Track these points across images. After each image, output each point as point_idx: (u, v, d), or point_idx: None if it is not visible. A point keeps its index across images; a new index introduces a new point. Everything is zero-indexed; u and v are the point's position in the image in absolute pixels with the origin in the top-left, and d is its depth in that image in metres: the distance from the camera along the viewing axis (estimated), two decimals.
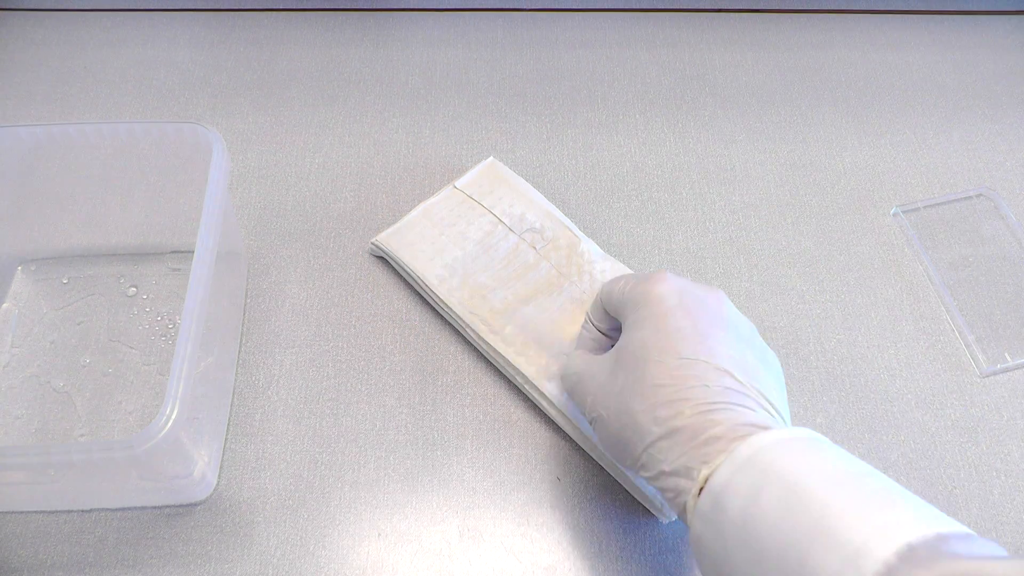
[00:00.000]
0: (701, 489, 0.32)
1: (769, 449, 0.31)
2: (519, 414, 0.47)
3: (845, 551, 0.27)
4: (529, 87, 0.63)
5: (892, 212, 0.57)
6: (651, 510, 0.43)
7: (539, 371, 0.46)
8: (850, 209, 0.57)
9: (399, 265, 0.51)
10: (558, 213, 0.53)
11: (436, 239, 0.52)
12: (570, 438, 0.46)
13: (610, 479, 0.45)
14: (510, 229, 0.52)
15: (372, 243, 0.52)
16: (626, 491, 0.44)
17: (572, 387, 0.41)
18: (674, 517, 0.43)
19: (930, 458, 0.46)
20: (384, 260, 0.53)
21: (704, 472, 0.32)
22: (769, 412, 0.35)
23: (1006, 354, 0.50)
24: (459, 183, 0.55)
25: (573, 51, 0.66)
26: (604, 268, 0.50)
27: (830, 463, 0.30)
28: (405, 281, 0.52)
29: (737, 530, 0.30)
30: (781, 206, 0.57)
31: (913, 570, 0.25)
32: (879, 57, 0.66)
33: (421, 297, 0.51)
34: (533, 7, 0.68)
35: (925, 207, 0.57)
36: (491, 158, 0.56)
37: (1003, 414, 0.48)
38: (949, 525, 0.28)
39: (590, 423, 0.40)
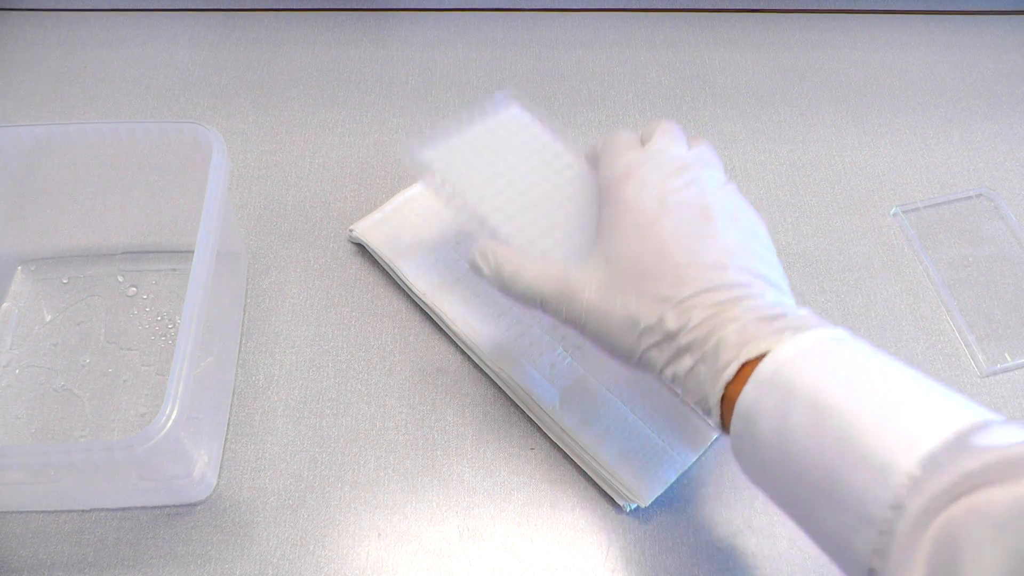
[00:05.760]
0: (722, 397, 0.33)
1: (790, 365, 0.31)
2: (519, 414, 0.47)
3: (872, 468, 0.27)
4: (529, 87, 0.63)
5: (892, 212, 0.57)
6: (614, 498, 0.44)
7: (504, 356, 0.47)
8: (850, 209, 0.57)
9: (379, 258, 0.52)
10: (545, 133, 0.54)
11: (416, 233, 0.52)
12: None
13: None
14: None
15: (350, 230, 0.53)
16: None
17: (556, 296, 0.38)
18: (634, 506, 0.43)
19: None
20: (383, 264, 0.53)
21: (723, 380, 0.32)
22: (774, 288, 0.35)
23: (1006, 354, 0.50)
24: None
25: (573, 51, 0.66)
26: None
27: (852, 370, 0.30)
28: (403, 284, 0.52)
29: (772, 449, 0.30)
30: (781, 206, 0.57)
31: (937, 477, 0.26)
32: (879, 57, 0.66)
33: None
34: (533, 7, 0.68)
35: (925, 207, 0.57)
36: None
37: (1003, 414, 0.48)
38: (969, 417, 0.28)
39: (575, 328, 0.38)
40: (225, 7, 0.67)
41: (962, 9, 0.69)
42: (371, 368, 0.49)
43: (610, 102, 0.62)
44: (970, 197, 0.58)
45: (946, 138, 0.61)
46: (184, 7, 0.67)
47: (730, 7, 0.69)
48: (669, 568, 0.42)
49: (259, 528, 0.43)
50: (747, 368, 0.32)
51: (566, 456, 0.45)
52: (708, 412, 0.34)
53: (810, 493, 0.29)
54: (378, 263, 0.53)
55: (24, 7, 0.66)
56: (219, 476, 0.45)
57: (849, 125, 0.62)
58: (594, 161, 0.42)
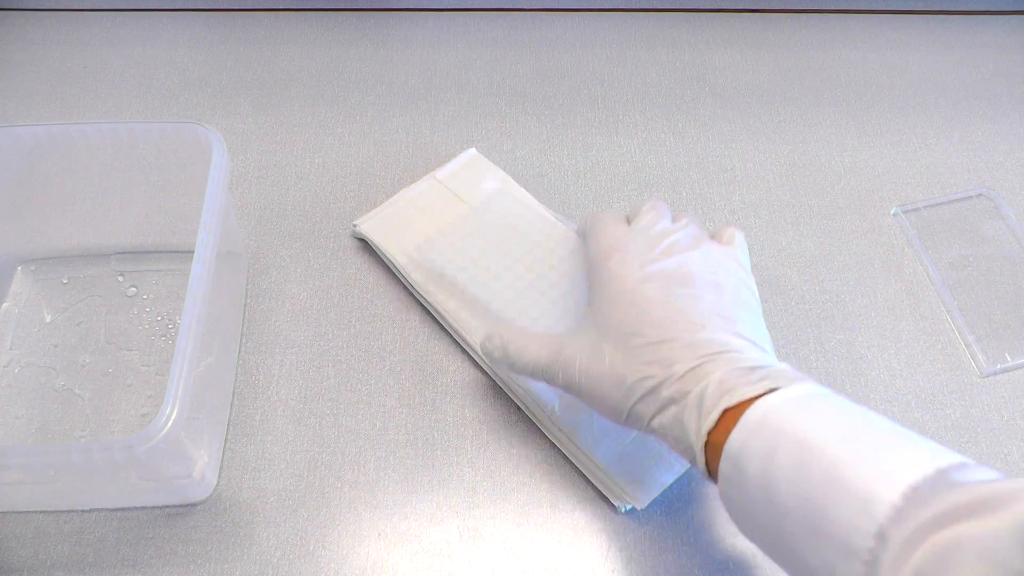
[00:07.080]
0: (706, 444, 0.34)
1: (778, 410, 0.33)
2: (519, 414, 0.47)
3: (856, 500, 0.29)
4: (529, 87, 0.63)
5: (892, 212, 0.57)
6: (610, 499, 0.44)
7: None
8: (850, 209, 0.57)
9: (382, 253, 0.52)
10: (539, 206, 0.54)
11: (418, 231, 0.52)
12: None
13: None
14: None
15: (354, 225, 0.53)
16: None
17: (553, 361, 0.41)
18: (629, 506, 0.43)
19: None
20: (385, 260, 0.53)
21: (705, 426, 0.34)
22: (755, 347, 0.37)
23: (1006, 354, 0.50)
24: (439, 175, 0.55)
25: (573, 51, 0.66)
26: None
27: (835, 416, 0.32)
28: (405, 280, 0.52)
29: (758, 489, 0.32)
30: (781, 206, 0.57)
31: (919, 509, 0.27)
32: (879, 57, 0.66)
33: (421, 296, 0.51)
34: (533, 7, 0.68)
35: (925, 207, 0.57)
36: (473, 150, 0.57)
37: (1003, 414, 0.48)
38: (947, 458, 0.30)
39: (573, 392, 0.40)
40: (225, 7, 0.67)
41: (962, 9, 0.69)
42: (371, 368, 0.49)
43: (610, 102, 0.62)
44: (970, 197, 0.58)
45: (946, 138, 0.61)
46: (184, 7, 0.67)
47: (730, 7, 0.69)
48: (669, 568, 0.42)
49: (259, 528, 0.43)
50: (728, 415, 0.34)
51: (566, 457, 0.45)
52: (693, 459, 0.35)
53: (795, 529, 0.30)
54: (379, 262, 0.53)
55: (24, 7, 0.66)
56: (219, 476, 0.45)
57: (849, 125, 0.62)
58: (583, 235, 0.46)
